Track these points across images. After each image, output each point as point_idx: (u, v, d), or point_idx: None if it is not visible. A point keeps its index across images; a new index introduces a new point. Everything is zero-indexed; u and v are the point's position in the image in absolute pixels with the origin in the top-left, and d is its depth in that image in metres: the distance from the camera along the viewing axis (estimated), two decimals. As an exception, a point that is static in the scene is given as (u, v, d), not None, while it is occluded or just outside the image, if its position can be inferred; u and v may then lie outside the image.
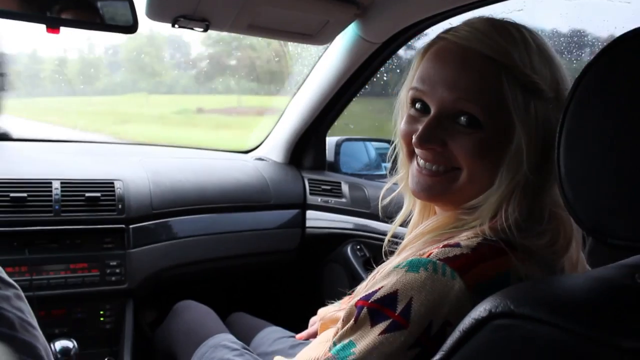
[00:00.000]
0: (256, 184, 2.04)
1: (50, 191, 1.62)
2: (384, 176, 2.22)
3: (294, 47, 2.32)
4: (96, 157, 1.98)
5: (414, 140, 0.81)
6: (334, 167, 2.19)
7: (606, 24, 1.51)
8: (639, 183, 0.49)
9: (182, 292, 1.78)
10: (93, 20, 1.27)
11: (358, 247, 1.94)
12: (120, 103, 4.66)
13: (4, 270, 0.64)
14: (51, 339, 1.45)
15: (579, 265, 0.82)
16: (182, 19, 1.38)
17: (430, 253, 0.71)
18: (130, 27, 1.26)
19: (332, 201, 2.04)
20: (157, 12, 1.36)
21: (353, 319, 0.71)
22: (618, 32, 0.53)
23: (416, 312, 0.66)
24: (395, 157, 0.94)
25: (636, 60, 0.51)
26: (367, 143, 2.35)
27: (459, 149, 0.78)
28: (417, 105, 0.83)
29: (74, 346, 1.40)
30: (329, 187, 2.09)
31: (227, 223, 1.94)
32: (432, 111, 0.80)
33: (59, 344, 1.38)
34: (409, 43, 1.72)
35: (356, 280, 1.86)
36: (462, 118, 0.77)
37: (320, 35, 1.59)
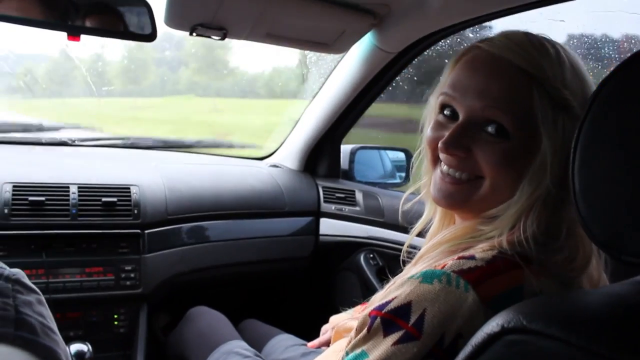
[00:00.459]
0: (270, 191, 2.05)
1: (68, 195, 1.64)
2: (398, 185, 2.21)
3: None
4: (113, 161, 2.00)
5: (439, 145, 0.81)
6: (348, 175, 2.19)
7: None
8: None
9: (195, 298, 1.79)
10: (112, 28, 1.29)
11: (371, 255, 1.94)
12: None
13: (25, 276, 0.65)
14: (66, 341, 1.46)
15: (600, 284, 0.81)
16: (199, 27, 1.39)
17: (445, 265, 0.71)
18: (149, 35, 1.28)
19: (346, 209, 2.04)
20: (175, 20, 1.38)
21: (366, 329, 0.72)
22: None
23: (429, 323, 0.66)
24: (412, 165, 0.95)
25: None
26: (382, 152, 2.34)
27: (483, 158, 0.78)
28: (446, 112, 0.84)
29: (88, 349, 1.42)
30: (343, 195, 2.09)
31: (241, 229, 1.95)
32: (461, 118, 0.81)
33: (74, 348, 1.40)
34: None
35: (369, 289, 1.86)
36: (489, 127, 0.78)
37: (337, 44, 1.60)
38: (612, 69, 0.54)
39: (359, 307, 1.31)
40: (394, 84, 1.94)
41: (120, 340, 1.69)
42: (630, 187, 0.50)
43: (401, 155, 2.24)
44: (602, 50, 1.65)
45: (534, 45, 0.77)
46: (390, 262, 1.88)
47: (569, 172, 0.56)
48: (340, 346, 0.99)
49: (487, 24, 1.48)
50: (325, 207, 2.11)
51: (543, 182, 0.75)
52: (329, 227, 2.09)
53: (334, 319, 1.35)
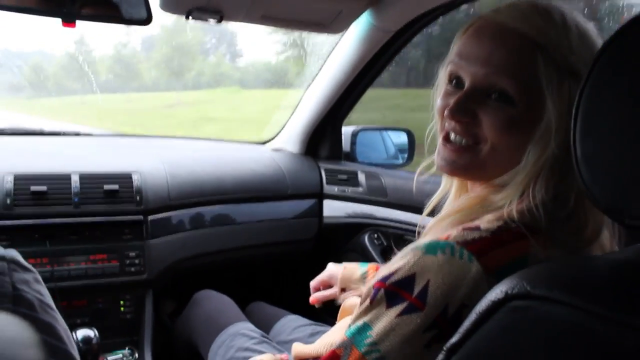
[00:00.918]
0: (273, 175, 2.05)
1: (70, 184, 1.64)
2: (401, 165, 2.21)
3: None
4: (113, 150, 2.00)
5: (445, 112, 0.82)
6: (351, 157, 2.18)
7: None
8: None
9: (201, 283, 1.79)
10: (107, 13, 1.28)
11: (375, 235, 1.94)
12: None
13: (20, 256, 0.66)
14: (73, 328, 1.48)
15: None
16: (196, 10, 1.38)
17: (449, 235, 0.71)
18: (144, 20, 1.27)
19: (349, 190, 2.04)
20: (171, 4, 1.37)
21: (369, 300, 0.72)
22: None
23: (432, 294, 0.66)
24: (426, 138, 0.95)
25: None
26: (384, 132, 2.33)
27: (488, 122, 0.78)
28: (454, 82, 0.84)
29: (95, 335, 1.42)
30: (345, 177, 2.08)
31: (244, 213, 1.95)
32: (466, 85, 0.81)
33: (81, 333, 1.40)
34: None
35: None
36: (494, 93, 0.78)
37: (334, 24, 1.59)
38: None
39: (372, 264, 1.31)
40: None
41: (127, 327, 1.70)
42: (632, 152, 0.50)
43: (403, 135, 2.22)
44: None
45: (539, 12, 0.77)
46: (394, 241, 1.87)
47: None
48: (346, 324, 0.99)
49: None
50: (328, 188, 2.10)
51: (549, 147, 0.75)
52: (332, 208, 2.09)
53: (330, 266, 1.36)
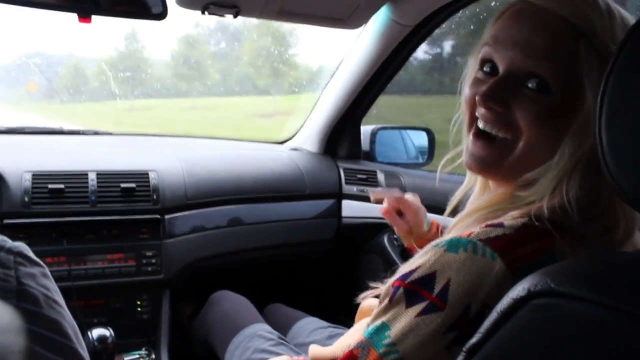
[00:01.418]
0: (291, 174, 2.03)
1: (87, 182, 1.64)
2: (421, 165, 2.17)
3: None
4: (130, 148, 2.00)
5: (477, 98, 0.77)
6: (370, 156, 2.15)
7: None
8: None
9: (218, 283, 1.78)
10: (123, 8, 1.27)
11: (395, 236, 1.90)
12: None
13: (30, 250, 0.64)
14: (89, 327, 1.47)
15: None
16: (212, 5, 1.36)
17: (471, 233, 0.68)
18: (159, 14, 1.26)
19: (368, 190, 2.01)
20: (187, -1, 1.36)
21: (388, 299, 0.69)
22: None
23: (454, 293, 0.63)
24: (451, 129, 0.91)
25: None
26: (403, 131, 2.30)
27: (522, 113, 0.74)
28: (485, 68, 0.80)
29: (110, 335, 1.42)
30: (364, 176, 2.05)
31: (263, 213, 1.93)
32: (501, 70, 0.77)
33: (96, 332, 1.40)
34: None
35: (394, 270, 1.82)
36: (530, 81, 0.73)
37: (352, 19, 1.56)
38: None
39: (433, 220, 1.29)
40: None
41: (143, 327, 1.69)
42: None
43: (423, 135, 2.19)
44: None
45: None
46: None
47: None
48: (364, 325, 0.96)
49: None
50: (347, 188, 2.08)
51: (586, 141, 0.70)
52: (351, 209, 2.06)
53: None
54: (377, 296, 1.19)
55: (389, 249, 1.88)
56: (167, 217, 1.70)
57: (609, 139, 0.51)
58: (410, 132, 2.27)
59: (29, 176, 1.59)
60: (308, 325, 1.57)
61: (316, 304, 1.95)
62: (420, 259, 0.69)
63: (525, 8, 0.76)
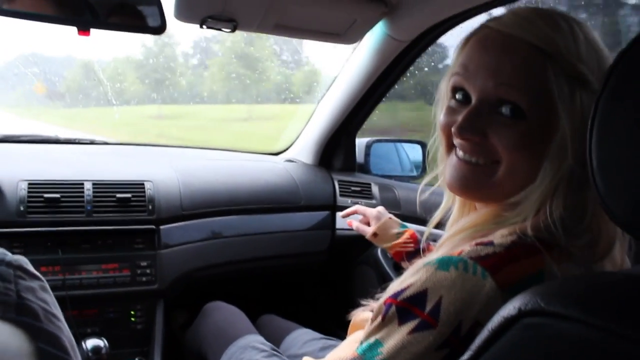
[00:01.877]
0: (286, 186, 2.04)
1: (83, 192, 1.64)
2: (415, 178, 2.18)
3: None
4: (126, 158, 2.00)
5: (453, 130, 0.78)
6: (364, 168, 2.16)
7: None
8: None
9: (212, 294, 1.78)
10: (122, 22, 1.29)
11: (387, 249, 1.91)
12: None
13: (29, 263, 0.65)
14: (83, 338, 1.47)
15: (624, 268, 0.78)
16: (209, 19, 1.38)
17: (462, 251, 0.68)
18: (158, 28, 1.27)
19: (362, 203, 2.02)
20: (185, 13, 1.37)
21: (380, 317, 0.70)
22: None
23: (445, 311, 0.64)
24: (427, 154, 0.92)
25: None
26: (398, 144, 2.31)
27: (499, 141, 0.75)
28: (458, 96, 0.81)
29: (104, 345, 1.41)
30: (358, 189, 2.07)
31: (257, 224, 1.93)
32: (473, 100, 0.78)
33: (90, 343, 1.40)
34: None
35: (387, 282, 1.83)
36: (504, 107, 0.74)
37: (348, 34, 1.58)
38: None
39: (410, 229, 1.44)
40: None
41: (137, 337, 1.69)
42: None
43: (417, 148, 2.20)
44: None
45: (545, 20, 0.74)
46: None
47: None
48: (357, 337, 0.97)
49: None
50: (341, 200, 2.08)
51: (565, 162, 0.71)
52: (345, 221, 2.07)
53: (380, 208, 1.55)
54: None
55: (382, 261, 1.89)
56: (162, 227, 1.71)
57: (598, 160, 0.52)
58: (405, 145, 2.28)
59: (24, 185, 1.60)
60: (301, 336, 1.57)
61: (309, 315, 1.95)
62: (411, 278, 0.69)
63: (490, 35, 0.77)
